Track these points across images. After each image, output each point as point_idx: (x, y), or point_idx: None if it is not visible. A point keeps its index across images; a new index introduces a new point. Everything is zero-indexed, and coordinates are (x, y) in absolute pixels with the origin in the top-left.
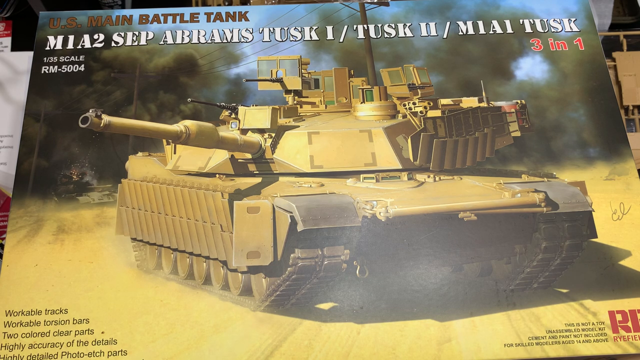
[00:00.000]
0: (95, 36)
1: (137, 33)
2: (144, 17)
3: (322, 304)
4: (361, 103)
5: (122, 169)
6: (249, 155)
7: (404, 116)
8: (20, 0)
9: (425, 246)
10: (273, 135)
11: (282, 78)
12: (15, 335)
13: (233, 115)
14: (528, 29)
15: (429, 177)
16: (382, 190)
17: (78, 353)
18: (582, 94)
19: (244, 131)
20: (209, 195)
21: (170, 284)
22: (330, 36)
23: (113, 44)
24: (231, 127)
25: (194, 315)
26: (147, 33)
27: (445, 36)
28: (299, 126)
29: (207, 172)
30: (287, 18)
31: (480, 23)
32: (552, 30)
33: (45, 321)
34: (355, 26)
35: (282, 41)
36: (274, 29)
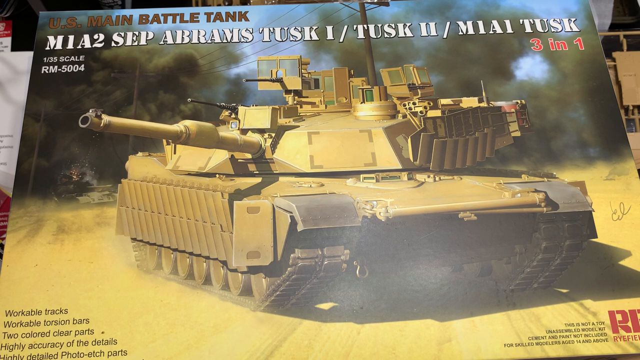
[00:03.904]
0: (95, 36)
1: (137, 33)
2: (144, 17)
3: (322, 304)
4: (361, 103)
5: (122, 169)
6: (249, 155)
7: (404, 116)
8: (20, 0)
9: (425, 246)
10: (273, 135)
11: (282, 78)
12: (15, 335)
13: (233, 115)
14: (528, 29)
15: (429, 177)
16: (382, 190)
17: (78, 353)
18: (582, 94)
19: (244, 131)
20: (209, 195)
21: (170, 284)
22: (330, 36)
23: (113, 44)
24: (231, 127)
25: (194, 315)
26: (147, 33)
27: (445, 36)
28: (299, 126)
29: (207, 172)
30: (287, 18)
31: (480, 23)
32: (552, 30)
33: (45, 321)
34: (355, 26)
35: (282, 41)
36: (274, 29)
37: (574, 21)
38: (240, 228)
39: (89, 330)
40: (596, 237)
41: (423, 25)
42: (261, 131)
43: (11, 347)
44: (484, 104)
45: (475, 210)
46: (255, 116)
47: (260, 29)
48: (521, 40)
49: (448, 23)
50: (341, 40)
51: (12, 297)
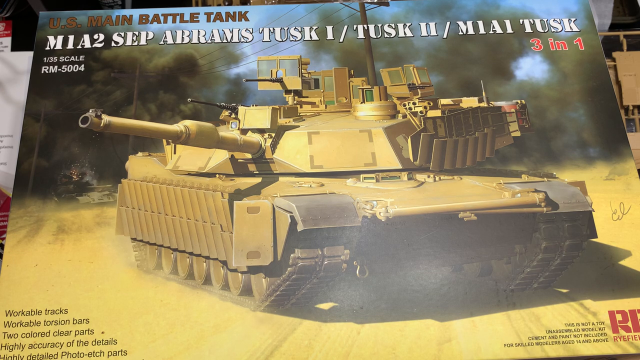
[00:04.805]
0: (95, 36)
1: (137, 33)
2: (144, 17)
3: (322, 304)
4: (361, 103)
5: (122, 169)
6: (249, 155)
7: (404, 116)
8: (20, 0)
9: (425, 246)
10: (273, 135)
11: (282, 78)
12: (15, 335)
13: (233, 115)
14: (528, 29)
15: (429, 177)
16: (382, 190)
17: (78, 353)
18: (582, 94)
19: (244, 131)
20: (209, 195)
21: (170, 284)
22: (330, 36)
23: (113, 44)
24: (231, 127)
25: (194, 315)
26: (147, 33)
27: (445, 36)
28: (299, 126)
29: (207, 172)
30: (287, 18)
31: (480, 23)
32: (552, 30)
33: (45, 321)
34: (355, 26)
35: (282, 41)
36: (274, 29)
37: (574, 21)
38: (240, 228)
39: (89, 330)
40: (596, 237)
41: (423, 25)
42: (261, 131)
43: (11, 347)
44: (484, 104)
45: (475, 210)
46: (255, 116)
47: (260, 29)
48: (521, 40)
49: (448, 23)
50: (341, 40)
51: (12, 297)
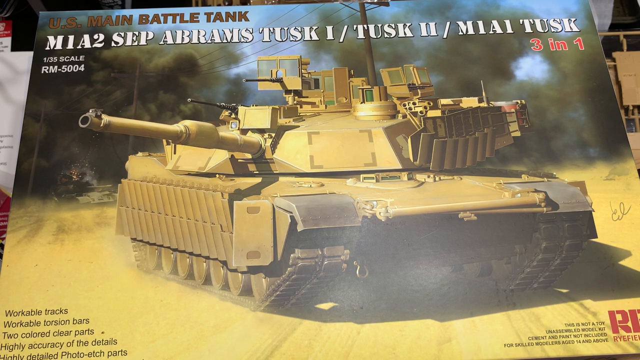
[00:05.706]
0: (95, 36)
1: (137, 33)
2: (144, 17)
3: (322, 304)
4: (361, 103)
5: (122, 169)
6: (249, 155)
7: (404, 116)
8: (20, 0)
9: (425, 246)
10: (273, 135)
11: (282, 78)
12: (15, 335)
13: (233, 115)
14: (528, 29)
15: (429, 177)
16: (382, 190)
17: (78, 353)
18: (582, 94)
19: (244, 131)
20: (209, 195)
21: (170, 284)
22: (330, 36)
23: (113, 44)
24: (231, 127)
25: (194, 315)
26: (147, 33)
27: (445, 36)
28: (299, 126)
29: (207, 172)
30: (287, 18)
31: (480, 23)
32: (552, 30)
33: (45, 321)
34: (355, 26)
35: (282, 41)
36: (274, 29)
37: (574, 21)
38: (240, 228)
39: (89, 330)
40: (596, 237)
41: (423, 25)
42: (261, 131)
43: (11, 347)
44: (484, 104)
45: (475, 210)
46: (255, 116)
47: (260, 29)
48: (521, 40)
49: (448, 23)
50: (341, 40)
51: (12, 297)
